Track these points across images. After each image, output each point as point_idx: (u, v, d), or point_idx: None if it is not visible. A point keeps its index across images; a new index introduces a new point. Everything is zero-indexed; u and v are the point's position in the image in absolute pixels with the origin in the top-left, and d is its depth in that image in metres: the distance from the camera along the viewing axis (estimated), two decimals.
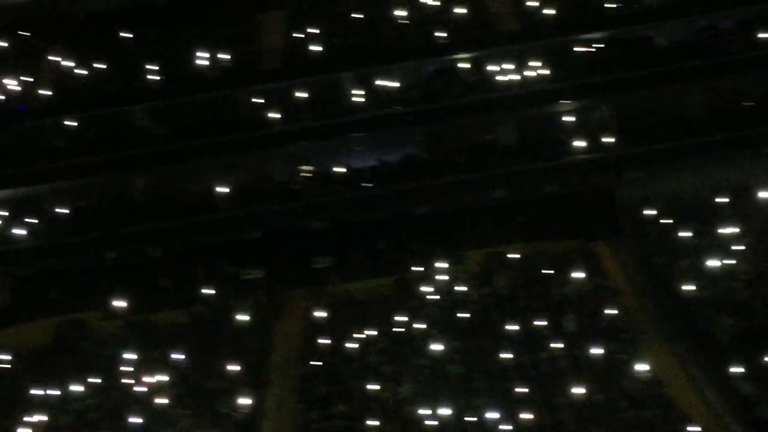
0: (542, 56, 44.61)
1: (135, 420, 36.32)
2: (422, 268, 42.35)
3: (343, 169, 45.16)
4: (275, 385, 37.95)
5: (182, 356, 39.36)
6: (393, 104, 44.84)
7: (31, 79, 46.40)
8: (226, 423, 35.94)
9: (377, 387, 35.96)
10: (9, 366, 40.81)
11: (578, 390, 34.32)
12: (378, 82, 45.09)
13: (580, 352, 36.37)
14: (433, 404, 34.61)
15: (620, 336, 37.36)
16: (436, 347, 37.49)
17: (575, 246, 42.82)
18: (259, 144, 44.82)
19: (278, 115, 44.92)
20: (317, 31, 46.16)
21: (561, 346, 36.76)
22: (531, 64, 44.32)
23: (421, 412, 34.50)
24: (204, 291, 42.59)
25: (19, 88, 46.06)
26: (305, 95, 45.39)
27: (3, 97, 45.78)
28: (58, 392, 38.68)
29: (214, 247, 45.05)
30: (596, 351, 36.04)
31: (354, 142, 45.53)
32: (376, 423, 34.47)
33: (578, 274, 40.40)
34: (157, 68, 45.88)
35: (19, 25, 47.91)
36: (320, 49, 45.55)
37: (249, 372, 38.45)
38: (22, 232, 43.98)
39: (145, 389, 37.99)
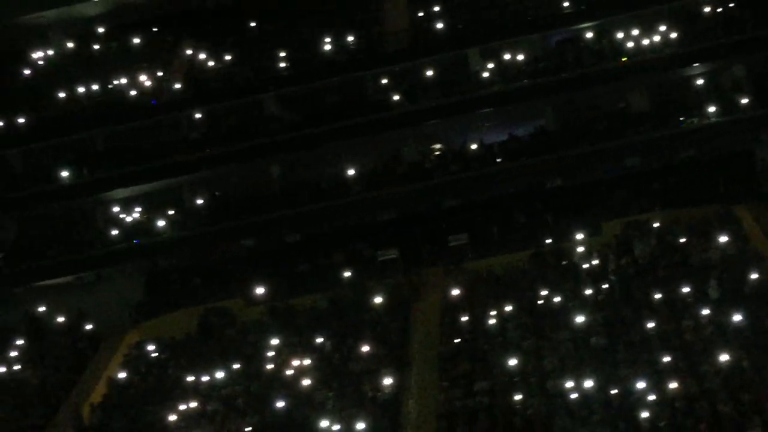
0: (669, 19, 43.85)
1: (281, 404, 36.79)
2: (559, 241, 42.05)
3: (474, 146, 45.04)
4: (417, 365, 38.06)
5: (324, 339, 39.76)
6: (521, 77, 44.53)
7: (163, 74, 47.25)
8: (370, 404, 36.18)
9: (519, 362, 35.82)
10: (157, 355, 41.70)
11: (724, 357, 33.70)
12: (504, 56, 44.83)
13: (724, 318, 35.71)
14: (577, 377, 34.35)
15: (765, 300, 36.56)
16: (577, 320, 37.19)
17: (715, 211, 42.02)
18: (389, 125, 44.92)
19: (406, 96, 44.96)
20: (440, 9, 46.07)
21: (705, 313, 36.14)
22: (659, 28, 43.61)
23: (565, 385, 34.27)
24: (342, 274, 42.90)
25: (151, 83, 46.94)
26: (432, 74, 45.37)
27: (136, 93, 46.69)
28: (205, 379, 39.40)
29: (349, 231, 45.36)
30: (741, 317, 35.34)
31: (484, 118, 45.35)
32: (519, 398, 34.35)
33: (720, 240, 39.66)
34: (284, 55, 46.33)
35: (150, 21, 48.79)
36: (444, 26, 45.45)
37: (390, 352, 38.65)
38: (163, 224, 44.86)
39: (289, 373, 38.47)
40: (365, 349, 38.46)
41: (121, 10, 48.45)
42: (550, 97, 44.62)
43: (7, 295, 45.09)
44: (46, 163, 46.21)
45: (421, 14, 46.48)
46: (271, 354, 39.74)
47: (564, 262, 40.96)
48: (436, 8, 46.03)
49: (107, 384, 40.94)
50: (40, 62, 48.95)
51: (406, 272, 42.95)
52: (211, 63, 47.37)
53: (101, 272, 45.58)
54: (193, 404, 38.28)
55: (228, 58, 47.37)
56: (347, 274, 42.87)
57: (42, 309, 44.86)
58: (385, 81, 45.76)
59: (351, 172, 45.11)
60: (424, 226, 44.74)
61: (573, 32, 45.17)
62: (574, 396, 33.87)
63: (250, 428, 36.52)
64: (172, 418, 37.92)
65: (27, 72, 48.77)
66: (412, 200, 44.82)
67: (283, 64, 46.25)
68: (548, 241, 42.38)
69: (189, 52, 48.11)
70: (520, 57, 44.78)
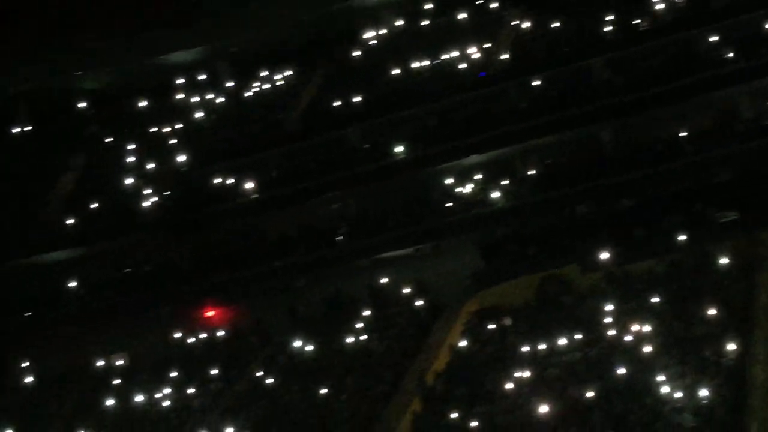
0: None
1: (621, 371, 36.65)
2: None
3: None
4: (763, 329, 36.96)
5: (663, 305, 39.25)
6: None
7: (490, 45, 47.72)
8: (713, 370, 35.53)
9: None
10: (495, 325, 42.33)
11: None
12: None
13: None
14: None
15: None
16: None
17: None
18: (722, 83, 43.67)
19: (740, 52, 43.61)
20: None
21: None
22: None
23: None
24: (680, 238, 42.12)
25: (479, 55, 47.50)
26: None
27: (465, 66, 47.38)
28: (544, 347, 39.73)
29: (684, 193, 44.43)
30: None
31: None
32: None
33: None
34: (612, 18, 45.86)
35: None
36: None
37: (733, 317, 37.76)
38: (497, 194, 45.38)
39: (628, 339, 38.24)
40: (707, 313, 37.73)
41: None
42: None
43: (352, 267, 46.82)
44: (383, 140, 47.56)
45: None
46: (609, 320, 39.62)
47: None
48: None
49: (449, 352, 41.93)
50: (372, 42, 50.43)
51: (747, 234, 41.69)
52: (537, 31, 47.47)
53: (439, 243, 46.54)
54: (532, 372, 38.72)
55: (554, 25, 47.30)
56: (685, 237, 42.06)
57: (384, 280, 46.41)
58: (715, 38, 44.48)
59: (684, 133, 44.20)
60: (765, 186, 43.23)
61: None
62: None
63: (592, 394, 36.57)
64: (511, 385, 38.49)
65: (358, 53, 50.37)
66: (750, 159, 43.44)
67: (609, 28, 45.79)
68: None
69: (515, 22, 48.37)
70: None
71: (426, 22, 50.02)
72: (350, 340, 44.06)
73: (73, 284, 48.26)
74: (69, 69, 51.56)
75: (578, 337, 39.59)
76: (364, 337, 44.12)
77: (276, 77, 51.31)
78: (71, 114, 53.18)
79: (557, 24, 47.27)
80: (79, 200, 49.80)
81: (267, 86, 51.26)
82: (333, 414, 41.25)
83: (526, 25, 47.90)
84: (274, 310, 47.20)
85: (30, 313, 48.41)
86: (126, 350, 48.20)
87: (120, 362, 47.82)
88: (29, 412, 46.52)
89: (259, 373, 44.40)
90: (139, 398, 45.14)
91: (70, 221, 48.65)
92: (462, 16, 49.18)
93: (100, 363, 47.62)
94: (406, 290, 45.54)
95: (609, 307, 39.98)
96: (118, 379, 46.72)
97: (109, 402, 45.41)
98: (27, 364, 47.86)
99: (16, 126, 52.61)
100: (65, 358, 48.00)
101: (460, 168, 46.34)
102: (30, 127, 52.62)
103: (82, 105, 53.11)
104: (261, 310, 47.56)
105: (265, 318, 47.26)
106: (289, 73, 51.28)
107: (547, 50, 46.85)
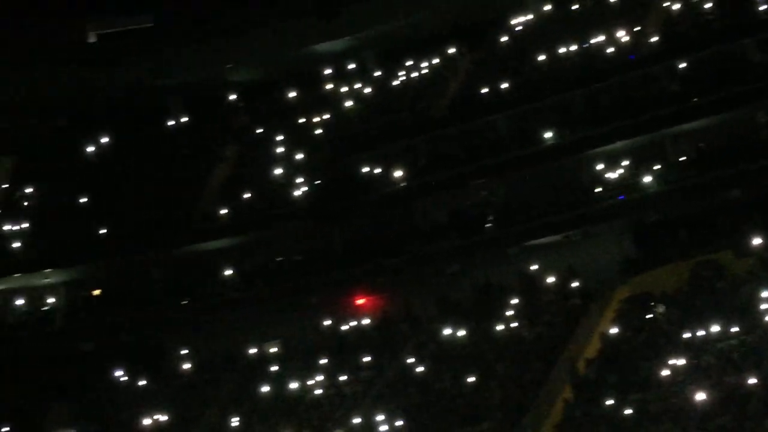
0: None
1: None
2: None
3: None
4: None
5: None
6: None
7: (639, 28, 47.06)
8: None
9: None
10: (648, 311, 41.82)
11: None
12: None
13: None
14: None
15: None
16: None
17: None
18: None
19: None
20: None
21: None
22: None
23: None
24: None
25: (628, 38, 46.87)
26: None
27: (614, 50, 46.81)
28: (699, 334, 39.15)
29: None
30: None
31: None
32: None
33: None
34: None
35: None
36: None
37: None
38: (649, 178, 44.74)
39: None
40: None
41: None
42: None
43: (501, 255, 46.76)
44: (530, 126, 47.33)
45: None
46: (765, 307, 38.84)
47: None
48: None
49: (600, 339, 41.61)
50: (518, 28, 50.18)
51: None
52: (687, 12, 46.64)
53: (588, 230, 46.14)
54: (686, 359, 38.20)
55: (706, 6, 46.41)
56: None
57: (534, 267, 46.24)
58: None
59: None
60: None
61: None
62: None
63: (749, 381, 35.92)
64: (666, 372, 38.04)
65: (506, 38, 50.18)
66: None
67: (763, 7, 44.73)
68: None
69: (665, 3, 47.60)
70: None
71: (575, 7, 49.53)
72: (500, 327, 44.04)
73: (228, 272, 49.13)
74: (219, 62, 52.42)
75: (733, 323, 38.90)
76: (514, 325, 44.05)
77: (422, 65, 51.41)
78: (222, 106, 54.12)
79: (708, 5, 46.35)
80: (232, 190, 50.67)
81: (414, 74, 51.39)
82: (483, 401, 41.31)
83: (677, 6, 47.07)
84: (424, 298, 47.44)
85: (186, 301, 49.42)
86: (279, 338, 48.97)
87: (273, 349, 48.60)
88: (186, 397, 47.62)
89: (410, 360, 44.67)
90: (293, 385, 45.80)
91: (224, 211, 49.55)
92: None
93: (254, 350, 48.40)
94: (556, 277, 45.29)
95: (765, 293, 39.19)
96: (271, 365, 47.48)
97: (264, 388, 46.17)
98: (185, 351, 48.90)
99: (170, 119, 53.70)
100: (221, 345, 48.98)
101: (610, 153, 45.82)
102: (185, 119, 53.64)
103: (232, 97, 53.96)
104: (411, 297, 47.84)
105: (415, 305, 47.53)
106: (435, 60, 51.33)
107: (698, 32, 45.97)
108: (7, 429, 46.38)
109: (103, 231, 49.75)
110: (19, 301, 49.54)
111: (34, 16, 49.70)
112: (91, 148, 52.81)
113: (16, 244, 49.30)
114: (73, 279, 50.42)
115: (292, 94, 52.80)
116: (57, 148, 52.66)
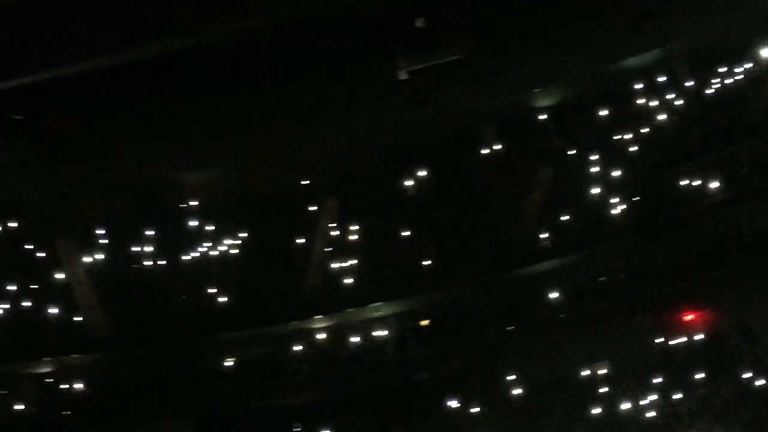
0: None
1: None
2: None
3: None
4: None
5: None
6: None
7: None
8: None
9: None
10: None
11: None
12: None
13: None
14: None
15: None
16: None
17: None
18: None
19: None
20: None
21: None
22: None
23: None
24: None
25: None
26: None
27: None
28: None
29: None
30: None
31: None
32: None
33: None
34: None
35: None
36: None
37: None
38: None
39: None
40: None
41: None
42: None
43: None
44: None
45: None
46: None
47: None
48: None
49: None
50: None
51: None
52: None
53: None
54: None
55: None
56: None
57: None
58: None
59: None
60: None
61: None
62: None
63: None
64: None
65: None
66: None
67: None
68: None
69: None
70: None
71: None
72: None
73: (553, 295, 49.21)
74: (528, 87, 52.64)
75: None
76: None
77: (736, 70, 50.08)
78: (533, 129, 54.28)
79: None
80: (550, 213, 50.76)
81: (728, 81, 50.12)
82: None
83: None
84: (757, 309, 46.08)
85: (512, 327, 49.75)
86: (607, 358, 48.63)
87: (603, 371, 48.30)
88: (518, 423, 47.84)
89: (747, 375, 43.47)
90: (625, 406, 45.35)
91: (544, 235, 49.68)
92: None
93: (585, 372, 48.27)
94: None
95: None
96: (602, 387, 47.20)
97: (595, 410, 45.94)
98: (513, 376, 49.25)
99: (483, 147, 54.27)
100: (550, 368, 49.07)
101: None
102: (498, 146, 54.11)
103: (542, 118, 54.09)
104: (743, 310, 46.55)
105: (749, 318, 46.23)
106: (749, 65, 49.89)
107: None
108: None
109: (427, 262, 50.85)
110: (353, 338, 51.06)
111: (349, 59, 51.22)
112: (409, 182, 54.00)
113: (348, 280, 50.91)
114: (402, 311, 51.67)
115: (604, 112, 52.46)
116: (376, 184, 54.07)
